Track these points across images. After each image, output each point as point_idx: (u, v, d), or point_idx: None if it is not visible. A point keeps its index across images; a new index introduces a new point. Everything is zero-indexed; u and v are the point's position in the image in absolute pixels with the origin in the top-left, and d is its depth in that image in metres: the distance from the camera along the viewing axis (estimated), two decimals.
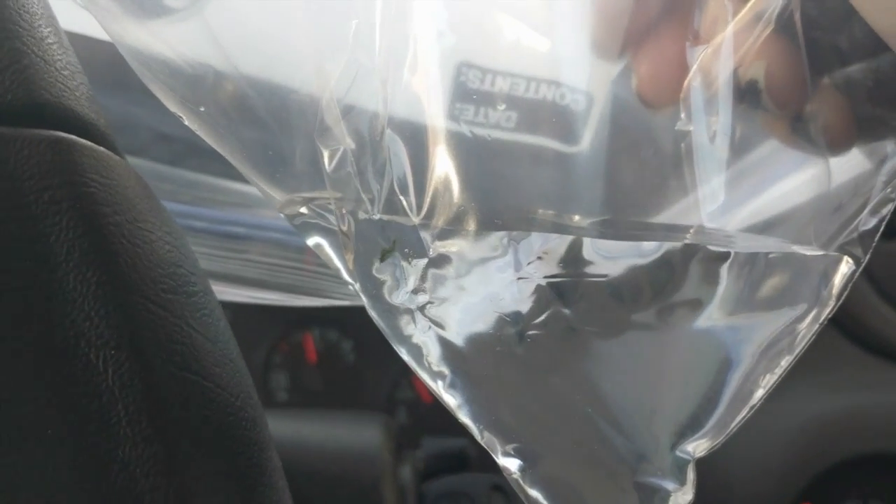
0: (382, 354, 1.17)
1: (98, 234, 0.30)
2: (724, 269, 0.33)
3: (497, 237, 0.34)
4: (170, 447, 0.29)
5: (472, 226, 0.34)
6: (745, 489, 0.89)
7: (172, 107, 0.36)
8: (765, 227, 0.34)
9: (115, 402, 0.29)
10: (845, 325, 0.94)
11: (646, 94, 0.34)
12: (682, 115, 0.33)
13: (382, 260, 0.35)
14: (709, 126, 0.33)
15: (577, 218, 0.35)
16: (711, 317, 0.34)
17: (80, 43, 0.37)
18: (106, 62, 0.49)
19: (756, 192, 0.34)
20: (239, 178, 0.37)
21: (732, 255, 0.33)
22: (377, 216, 0.34)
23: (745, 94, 0.33)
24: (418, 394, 1.19)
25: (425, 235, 0.34)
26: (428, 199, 0.33)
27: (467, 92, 0.34)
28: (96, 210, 0.30)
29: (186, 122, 0.36)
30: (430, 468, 0.76)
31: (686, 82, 0.33)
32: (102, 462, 0.28)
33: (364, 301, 0.37)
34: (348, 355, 1.20)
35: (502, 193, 0.35)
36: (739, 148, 0.33)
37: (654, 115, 0.34)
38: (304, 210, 0.37)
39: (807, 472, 0.89)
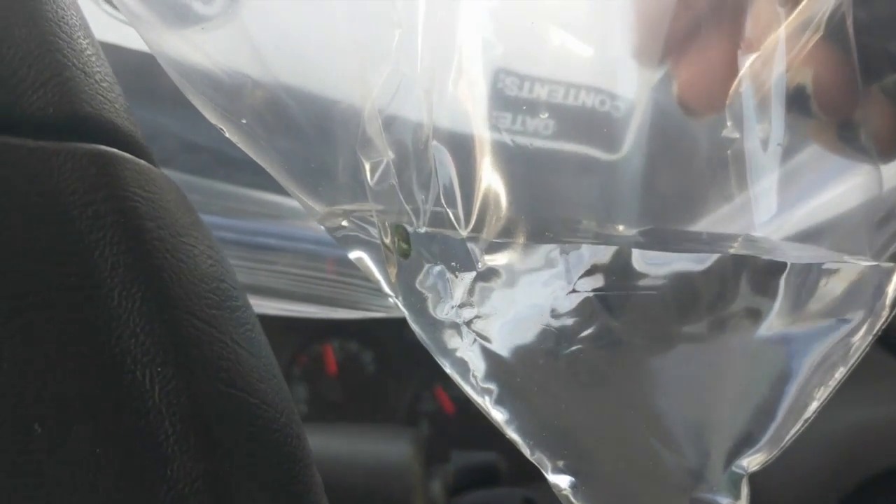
0: (404, 366, 1.17)
1: (142, 249, 0.30)
2: (783, 280, 0.33)
3: (547, 249, 0.34)
4: (217, 465, 0.29)
5: (522, 238, 0.34)
6: (783, 499, 0.88)
7: (214, 119, 0.36)
8: (812, 236, 0.34)
9: (161, 420, 0.29)
10: (885, 335, 0.93)
11: (687, 101, 0.34)
12: (729, 123, 0.33)
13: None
14: (759, 135, 0.32)
15: (620, 227, 0.35)
16: (769, 328, 0.33)
17: (105, 51, 0.37)
18: (130, 71, 0.49)
19: (803, 200, 0.34)
20: (267, 188, 0.37)
21: (789, 265, 0.33)
22: (423, 229, 0.34)
23: (793, 100, 0.32)
24: (441, 406, 1.19)
25: (474, 248, 0.34)
26: (476, 212, 0.33)
27: (505, 99, 0.34)
28: (140, 224, 0.30)
29: (227, 135, 0.36)
30: (460, 482, 0.76)
31: (732, 89, 0.33)
32: (150, 481, 0.28)
33: (406, 315, 0.37)
34: (369, 367, 1.20)
35: (549, 204, 0.35)
36: (786, 154, 0.33)
37: (694, 123, 0.34)
38: (345, 223, 0.37)
39: (846, 482, 0.88)
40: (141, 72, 0.55)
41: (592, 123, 0.34)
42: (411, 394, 1.21)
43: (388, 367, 1.21)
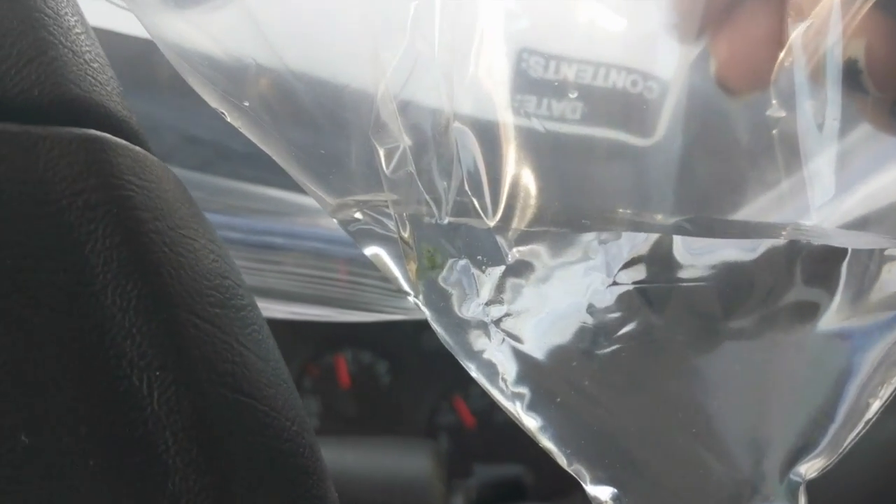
0: (420, 376, 1.17)
1: (138, 243, 0.29)
2: (844, 268, 0.32)
3: (584, 240, 0.32)
4: (223, 478, 0.28)
5: (556, 228, 0.32)
6: None
7: (213, 102, 0.35)
8: (869, 223, 0.33)
9: (161, 430, 0.28)
10: None
11: (727, 79, 0.33)
12: (774, 101, 0.32)
13: (433, 267, 0.34)
14: (811, 111, 0.31)
15: (658, 217, 0.34)
16: (827, 321, 0.32)
17: (99, 38, 0.36)
18: (126, 59, 0.48)
19: (857, 185, 0.33)
20: (273, 183, 0.36)
21: (850, 252, 0.32)
22: (445, 220, 0.33)
23: (843, 75, 0.31)
24: (461, 418, 1.19)
25: (502, 240, 0.32)
26: (504, 199, 0.32)
27: (529, 81, 0.33)
28: (135, 215, 0.29)
29: (229, 119, 0.35)
30: (483, 497, 0.75)
31: (778, 63, 0.31)
32: (150, 496, 0.27)
33: (427, 315, 0.36)
34: (383, 378, 1.20)
35: (583, 192, 0.34)
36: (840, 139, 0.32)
37: (735, 103, 0.33)
38: (358, 215, 0.36)
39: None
40: (138, 60, 0.54)
41: (624, 106, 0.33)
42: (429, 406, 1.20)
43: (404, 378, 1.20)
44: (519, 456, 1.12)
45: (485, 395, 0.36)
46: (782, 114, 0.31)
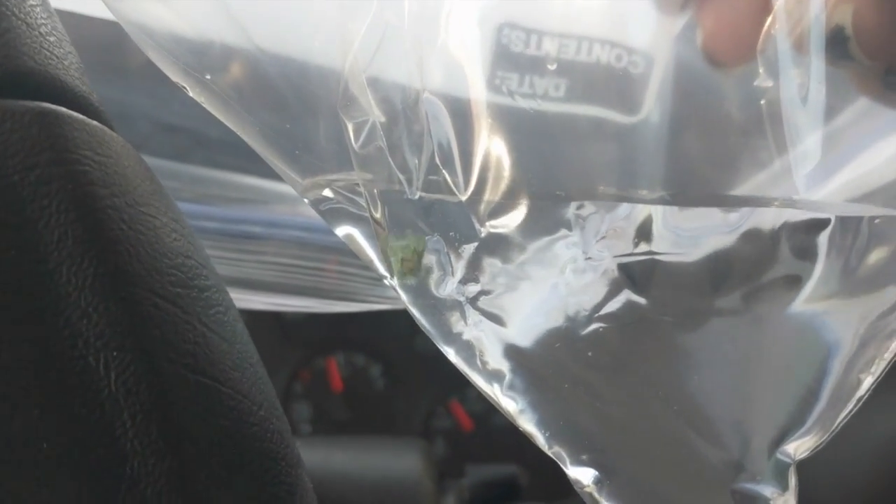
0: (416, 379, 1.17)
1: (94, 219, 0.29)
2: (824, 238, 0.31)
3: (560, 212, 0.32)
4: (184, 462, 0.28)
5: (530, 198, 0.32)
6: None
7: (175, 76, 0.34)
8: (862, 198, 0.32)
9: (119, 412, 0.27)
10: None
11: (714, 51, 0.32)
12: (761, 70, 0.31)
13: (407, 272, 0.34)
14: (795, 80, 0.31)
15: (643, 192, 0.33)
16: (810, 296, 0.32)
17: (67, 22, 0.35)
18: (96, 43, 0.47)
19: (850, 158, 0.32)
20: (251, 171, 0.36)
21: (833, 221, 0.31)
22: (416, 196, 0.33)
23: (831, 44, 0.31)
24: (457, 422, 1.18)
25: (474, 214, 0.32)
26: (476, 172, 0.32)
27: (510, 57, 0.33)
28: (91, 191, 0.29)
29: (191, 94, 0.34)
30: (477, 498, 0.75)
31: (764, 31, 0.31)
32: (107, 480, 0.27)
33: (403, 298, 0.35)
34: (377, 382, 1.20)
35: (562, 167, 0.34)
36: (827, 110, 0.31)
37: (723, 75, 0.33)
38: (330, 194, 0.35)
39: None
40: (109, 45, 0.54)
41: (608, 82, 0.33)
42: (424, 409, 1.20)
43: (398, 381, 1.20)
44: (518, 459, 1.12)
45: (482, 397, 0.35)
46: (769, 84, 0.31)
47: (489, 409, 1.17)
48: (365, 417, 1.19)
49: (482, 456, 1.17)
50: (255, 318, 1.06)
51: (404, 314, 0.36)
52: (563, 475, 0.34)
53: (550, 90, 0.33)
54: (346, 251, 0.61)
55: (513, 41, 0.33)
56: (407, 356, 1.19)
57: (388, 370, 1.20)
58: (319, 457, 0.67)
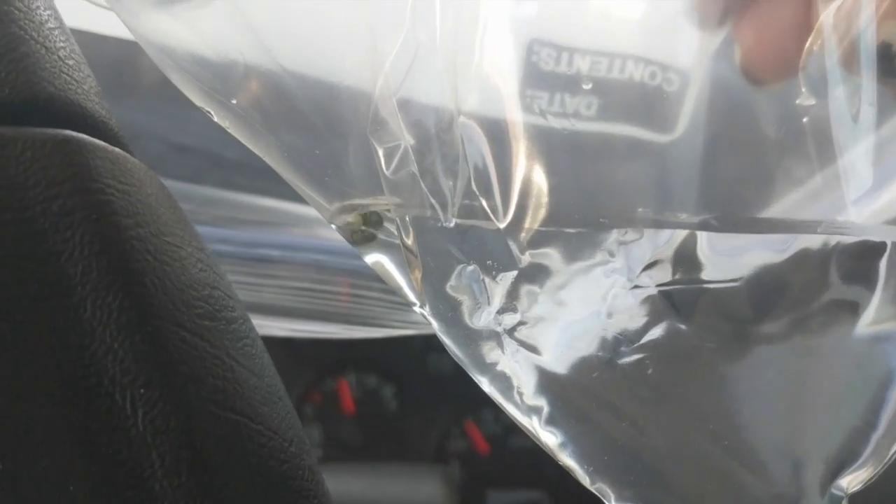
0: (430, 400, 1.16)
1: (119, 251, 0.28)
2: (883, 264, 0.31)
3: (603, 240, 0.32)
4: (216, 502, 0.28)
5: (572, 227, 0.32)
6: None
7: (198, 100, 0.34)
8: None
9: (147, 451, 0.27)
10: None
11: (753, 67, 0.32)
12: (803, 89, 0.31)
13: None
14: (843, 99, 0.31)
15: (682, 216, 0.33)
16: (867, 322, 0.31)
17: (78, 40, 0.35)
18: (108, 62, 0.47)
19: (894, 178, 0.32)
20: (269, 192, 0.35)
21: (890, 246, 0.31)
22: (451, 223, 0.32)
23: (877, 59, 0.30)
24: (473, 444, 1.18)
25: (514, 242, 0.32)
26: (515, 199, 0.32)
27: (540, 75, 0.32)
28: (115, 222, 0.29)
29: (216, 119, 0.34)
30: None
31: (807, 48, 0.31)
32: None
33: (435, 326, 0.35)
34: (390, 403, 1.19)
35: (600, 190, 0.33)
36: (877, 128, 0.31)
37: (761, 93, 0.32)
38: (359, 220, 0.35)
39: None
40: (122, 64, 0.54)
41: (642, 100, 0.33)
42: (439, 432, 1.19)
43: (412, 402, 1.19)
44: (537, 483, 1.12)
45: (499, 419, 0.35)
46: (812, 102, 0.31)
47: (506, 431, 1.16)
48: (377, 440, 1.18)
49: (499, 479, 1.16)
50: (264, 339, 1.06)
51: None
52: (586, 501, 0.34)
53: (582, 109, 0.32)
54: (366, 275, 0.61)
55: (543, 59, 0.32)
56: (420, 376, 1.18)
57: (401, 391, 1.19)
58: (337, 484, 0.67)
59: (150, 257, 0.29)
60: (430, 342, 1.15)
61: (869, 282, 0.31)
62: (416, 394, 1.19)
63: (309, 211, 0.35)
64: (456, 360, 0.35)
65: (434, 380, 1.18)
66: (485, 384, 0.35)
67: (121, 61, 0.52)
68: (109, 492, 0.26)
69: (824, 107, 0.31)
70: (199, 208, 0.65)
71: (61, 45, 0.31)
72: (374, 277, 0.37)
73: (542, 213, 0.32)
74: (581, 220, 0.32)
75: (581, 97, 0.32)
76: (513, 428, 1.17)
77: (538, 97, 0.32)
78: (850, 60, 0.30)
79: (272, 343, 1.05)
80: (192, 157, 0.67)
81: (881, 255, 0.31)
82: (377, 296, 0.65)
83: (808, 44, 0.31)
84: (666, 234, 0.32)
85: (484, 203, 0.32)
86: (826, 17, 0.30)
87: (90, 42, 0.43)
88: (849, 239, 0.31)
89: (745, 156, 0.33)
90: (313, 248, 0.66)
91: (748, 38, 0.32)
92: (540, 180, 0.32)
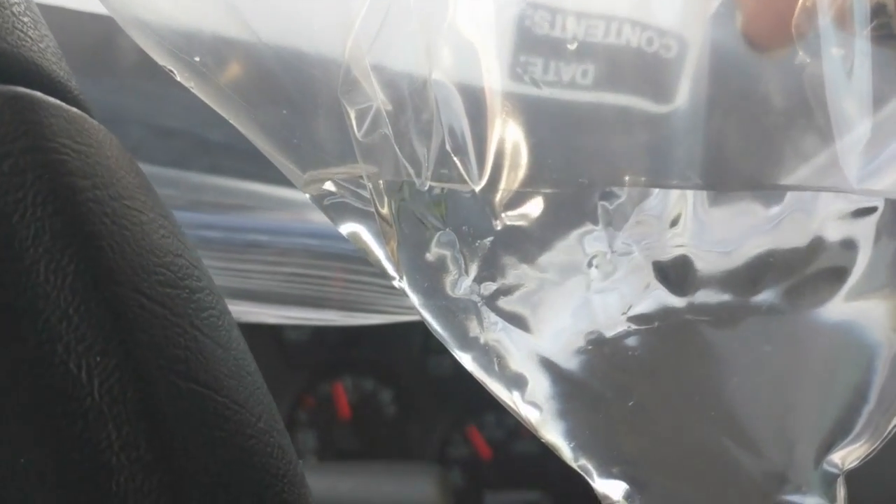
0: (429, 405, 1.17)
1: (74, 212, 0.28)
2: (871, 225, 0.31)
3: (584, 202, 0.32)
4: (176, 476, 0.28)
5: (550, 187, 0.31)
6: None
7: (161, 58, 0.34)
8: None
9: (104, 422, 0.27)
10: None
11: (755, 34, 0.32)
12: (800, 50, 0.31)
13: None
14: (837, 58, 0.30)
15: (673, 181, 0.33)
16: (854, 289, 0.31)
17: (52, 18, 0.35)
18: (84, 40, 0.47)
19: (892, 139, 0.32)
20: (257, 177, 0.35)
21: (881, 207, 0.31)
22: (426, 186, 0.32)
23: (872, 21, 0.30)
24: (475, 450, 1.18)
25: (489, 205, 0.32)
26: (490, 159, 0.31)
27: (534, 40, 0.32)
28: (70, 182, 0.29)
29: (178, 78, 0.34)
30: None
31: (800, 6, 0.31)
32: (92, 497, 0.26)
33: (413, 300, 0.35)
34: (388, 408, 1.19)
35: (585, 152, 0.33)
36: (874, 89, 0.31)
37: (765, 59, 0.32)
38: (332, 188, 0.35)
39: None
40: (99, 42, 0.54)
41: (639, 67, 0.32)
42: (439, 437, 1.20)
43: (411, 406, 1.20)
44: (541, 489, 1.12)
45: (502, 423, 0.35)
46: (808, 61, 0.31)
47: (509, 436, 1.16)
48: (375, 446, 1.18)
49: (502, 486, 1.16)
50: (253, 340, 1.06)
51: (416, 332, 0.35)
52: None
53: (578, 77, 0.32)
54: (360, 258, 0.61)
55: (536, 22, 0.32)
56: (419, 379, 1.18)
57: (400, 395, 1.20)
58: (326, 484, 0.67)
59: (107, 220, 0.29)
60: (430, 343, 1.15)
61: (858, 246, 0.31)
62: (416, 398, 1.20)
63: (298, 195, 0.35)
64: (436, 336, 0.35)
65: (434, 383, 1.18)
66: (467, 361, 0.34)
67: (97, 39, 0.52)
68: (63, 465, 0.26)
69: (819, 66, 0.30)
70: (184, 193, 0.65)
71: (14, 1, 0.31)
72: (366, 261, 0.36)
73: (520, 174, 0.31)
74: (560, 180, 0.32)
75: (577, 64, 0.32)
76: (516, 432, 1.17)
77: (532, 64, 0.32)
78: (843, 17, 0.30)
79: (264, 344, 1.05)
80: (176, 140, 0.67)
81: (872, 217, 0.31)
82: (370, 280, 0.65)
83: (800, 3, 0.31)
84: (655, 198, 0.32)
85: (459, 165, 0.32)
86: None
87: (65, 19, 0.43)
88: (840, 201, 0.31)
89: (743, 123, 0.33)
90: (303, 233, 0.66)
91: (749, 3, 0.32)
92: (519, 141, 0.31)
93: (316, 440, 1.18)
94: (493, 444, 1.19)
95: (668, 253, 0.32)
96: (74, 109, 0.30)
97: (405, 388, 1.19)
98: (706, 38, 0.32)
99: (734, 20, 0.32)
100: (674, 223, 0.32)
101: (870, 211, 0.31)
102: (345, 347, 1.16)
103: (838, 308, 0.32)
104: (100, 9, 0.34)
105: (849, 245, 0.31)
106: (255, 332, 1.06)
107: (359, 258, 0.37)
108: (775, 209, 0.31)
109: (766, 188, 0.31)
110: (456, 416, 1.19)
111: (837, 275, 0.31)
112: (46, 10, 0.35)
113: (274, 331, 1.13)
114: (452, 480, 1.14)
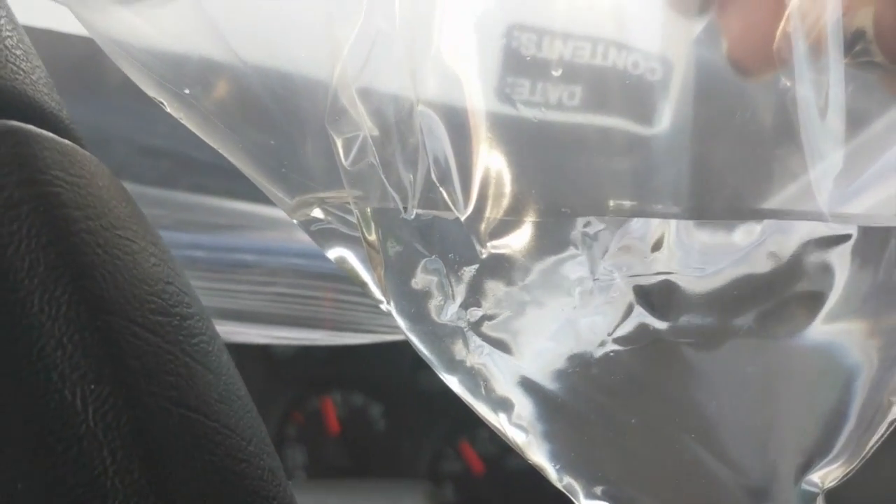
0: (420, 419, 1.16)
1: (68, 244, 0.29)
2: (846, 252, 0.32)
3: (566, 230, 0.33)
4: (169, 500, 0.29)
5: (534, 216, 0.33)
6: None
7: (151, 90, 0.35)
8: (883, 203, 0.33)
9: (98, 448, 0.28)
10: None
11: (739, 58, 0.33)
12: (782, 77, 0.32)
13: None
14: (813, 85, 0.31)
15: (657, 207, 0.34)
16: (831, 313, 0.32)
17: (38, 39, 0.36)
18: (71, 61, 0.48)
19: (876, 168, 0.33)
20: (243, 196, 0.36)
21: (856, 234, 0.32)
22: (413, 215, 0.33)
23: (852, 47, 0.31)
24: (468, 465, 1.18)
25: (475, 233, 0.33)
26: (476, 188, 0.32)
27: (521, 62, 0.33)
28: (64, 214, 0.30)
29: (169, 109, 0.35)
30: None
31: (780, 33, 0.32)
32: None
33: (401, 324, 0.36)
34: (378, 423, 1.19)
35: (568, 180, 0.34)
36: (850, 116, 0.32)
37: (750, 84, 0.33)
38: (320, 214, 0.36)
39: None
40: (85, 63, 0.54)
41: (625, 90, 0.33)
42: (431, 452, 1.19)
43: (401, 421, 1.19)
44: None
45: (495, 437, 0.36)
46: (788, 88, 0.32)
47: (502, 451, 1.16)
48: (365, 462, 1.18)
49: (495, 501, 1.16)
50: (242, 355, 1.06)
51: (406, 347, 0.36)
52: None
53: (565, 98, 0.33)
54: (339, 278, 0.62)
55: (523, 44, 0.33)
56: (410, 394, 1.18)
57: (390, 410, 1.19)
58: (312, 501, 0.68)
59: (100, 251, 0.30)
60: (420, 357, 1.14)
61: (835, 272, 0.32)
62: (406, 412, 1.19)
63: (286, 215, 0.36)
64: (424, 359, 0.36)
65: (425, 397, 1.18)
66: (454, 384, 0.36)
67: (84, 61, 0.53)
68: (59, 489, 0.27)
69: (794, 93, 0.31)
70: (170, 213, 0.65)
71: (8, 34, 0.32)
72: (351, 281, 0.37)
73: (504, 203, 0.32)
74: (543, 210, 0.33)
75: (564, 86, 0.33)
76: (509, 447, 1.16)
77: (519, 85, 0.33)
78: (819, 45, 0.31)
79: (251, 359, 1.05)
80: (161, 160, 0.68)
81: (847, 244, 0.32)
82: (359, 300, 0.65)
83: (781, 28, 0.32)
84: (636, 225, 0.33)
85: (444, 194, 0.33)
86: (795, 3, 0.31)
87: (51, 41, 0.44)
88: (817, 228, 0.32)
89: (723, 147, 0.34)
90: (291, 252, 0.67)
91: (732, 28, 0.33)
92: (503, 170, 0.32)
93: (305, 456, 1.17)
94: (486, 459, 1.18)
95: (651, 278, 0.33)
96: (66, 141, 0.31)
97: (395, 403, 1.19)
98: (690, 62, 0.33)
99: (719, 44, 0.33)
100: (656, 247, 0.33)
101: (845, 238, 0.32)
102: (334, 362, 1.16)
103: (816, 331, 0.33)
104: (86, 31, 0.35)
105: (825, 270, 0.32)
106: (244, 348, 1.06)
107: (345, 278, 0.38)
108: (756, 234, 0.32)
109: (744, 216, 0.32)
110: (448, 430, 1.18)
111: (815, 299, 0.32)
112: (31, 31, 0.36)
113: (262, 347, 1.12)
114: (445, 496, 1.14)
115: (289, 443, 1.17)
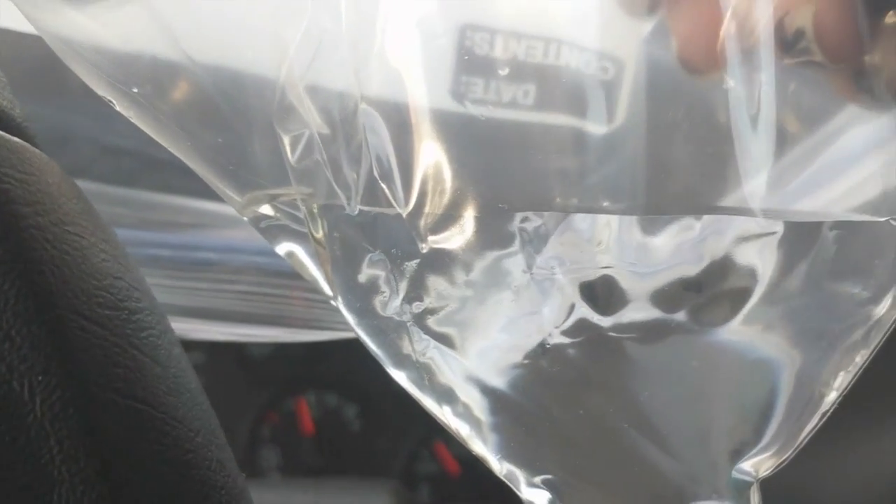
0: (395, 420, 1.16)
1: (16, 239, 0.30)
2: (773, 247, 0.33)
3: (505, 226, 0.34)
4: (115, 489, 0.30)
5: (473, 211, 0.33)
6: None
7: (100, 89, 0.36)
8: (824, 206, 0.34)
9: (45, 438, 0.29)
10: None
11: (688, 58, 0.33)
12: (724, 75, 0.32)
13: None
14: (748, 84, 0.32)
15: (601, 203, 0.34)
16: (757, 309, 0.33)
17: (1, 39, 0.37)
18: (31, 60, 0.49)
19: (808, 166, 0.34)
20: (208, 195, 0.36)
21: (781, 230, 0.33)
22: (356, 211, 0.34)
23: (792, 46, 0.32)
24: (443, 466, 1.18)
25: (415, 229, 0.34)
26: (416, 184, 0.33)
27: (475, 61, 0.34)
28: (13, 210, 0.31)
29: (118, 108, 0.36)
30: None
31: (722, 32, 0.32)
32: None
33: (349, 319, 0.37)
34: (352, 423, 1.19)
35: (510, 177, 0.35)
36: (795, 115, 0.33)
37: (700, 82, 0.34)
38: (270, 211, 0.37)
39: None
40: (46, 63, 0.55)
41: (578, 89, 0.34)
42: (406, 453, 1.19)
43: (377, 422, 1.19)
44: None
45: None
46: (730, 86, 0.32)
47: None
48: (340, 463, 1.18)
49: (470, 502, 1.16)
50: (215, 356, 1.06)
51: None
52: None
53: (519, 97, 0.34)
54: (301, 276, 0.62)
55: (477, 43, 0.34)
56: (385, 395, 1.17)
57: (365, 410, 1.19)
58: (279, 499, 0.68)
59: (49, 246, 0.31)
60: None
61: (760, 268, 0.33)
62: (381, 413, 1.19)
63: None
64: (373, 354, 0.37)
65: (400, 398, 1.15)
66: (402, 378, 0.37)
67: (47, 60, 0.53)
68: (7, 477, 0.28)
69: (729, 93, 0.32)
70: (134, 212, 0.65)
71: None
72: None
73: (444, 199, 0.33)
74: (482, 206, 0.33)
75: (518, 85, 0.34)
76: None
77: (472, 84, 0.34)
78: (754, 45, 0.32)
79: (226, 360, 1.05)
80: (124, 159, 0.68)
81: (772, 240, 0.33)
82: (318, 297, 0.66)
83: (724, 27, 0.32)
84: (577, 220, 0.34)
85: (386, 190, 0.33)
86: (736, 2, 0.32)
87: (13, 40, 0.45)
88: (748, 225, 0.33)
89: (671, 145, 0.35)
90: (254, 250, 0.67)
91: (681, 28, 0.33)
92: (444, 166, 0.33)
93: (280, 456, 1.17)
94: (461, 459, 1.18)
95: (593, 273, 0.34)
96: (16, 139, 0.32)
97: (370, 404, 1.19)
98: (642, 61, 0.34)
99: (670, 43, 0.34)
100: (598, 243, 0.34)
101: (772, 234, 0.33)
102: (308, 363, 1.16)
103: (743, 326, 0.34)
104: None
105: (752, 266, 0.33)
106: (218, 349, 1.07)
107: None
108: (696, 230, 0.33)
109: (685, 211, 0.33)
110: (422, 431, 1.18)
111: (742, 294, 0.33)
112: None
113: (236, 347, 1.12)
114: (419, 498, 1.14)
115: (263, 443, 1.17)
